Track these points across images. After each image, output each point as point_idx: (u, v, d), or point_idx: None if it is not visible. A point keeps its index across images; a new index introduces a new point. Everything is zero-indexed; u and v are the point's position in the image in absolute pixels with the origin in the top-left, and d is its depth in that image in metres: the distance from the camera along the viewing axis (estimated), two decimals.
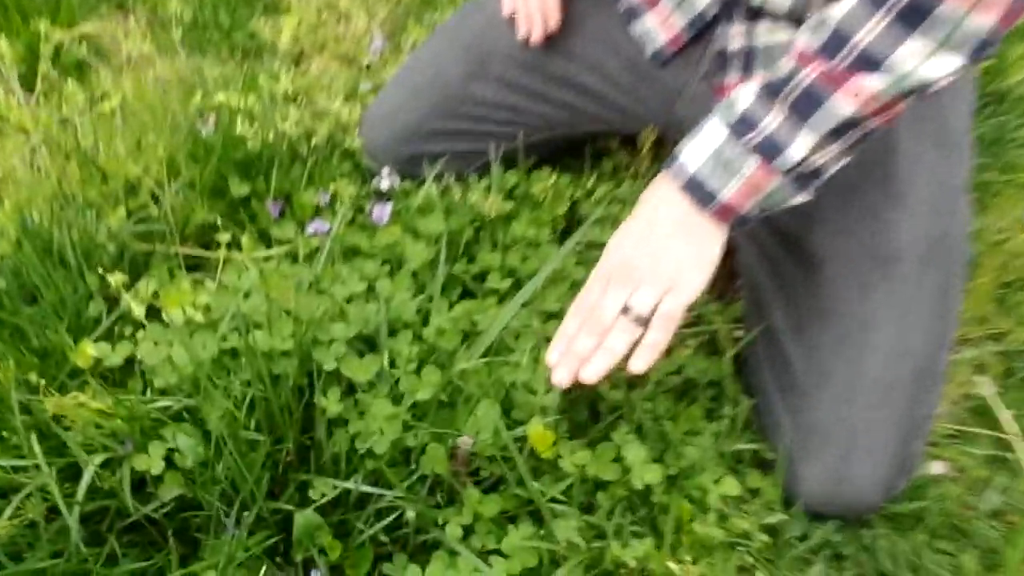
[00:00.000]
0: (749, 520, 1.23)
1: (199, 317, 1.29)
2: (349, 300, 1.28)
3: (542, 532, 1.13)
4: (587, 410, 1.26)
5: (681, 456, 1.25)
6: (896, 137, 1.16)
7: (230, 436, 1.11)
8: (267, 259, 1.42)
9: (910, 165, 1.17)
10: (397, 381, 1.18)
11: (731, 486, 1.24)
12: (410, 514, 1.07)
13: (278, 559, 1.11)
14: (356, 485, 1.08)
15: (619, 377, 1.27)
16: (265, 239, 1.48)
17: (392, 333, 1.26)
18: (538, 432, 1.13)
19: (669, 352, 1.31)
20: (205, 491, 1.09)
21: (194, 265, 1.46)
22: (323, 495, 1.11)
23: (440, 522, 1.10)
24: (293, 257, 1.42)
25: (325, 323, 1.22)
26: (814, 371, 1.21)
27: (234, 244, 1.42)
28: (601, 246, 1.43)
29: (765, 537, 1.15)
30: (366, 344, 1.26)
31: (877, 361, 1.15)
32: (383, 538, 1.10)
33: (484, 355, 1.21)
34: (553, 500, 1.14)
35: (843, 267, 1.17)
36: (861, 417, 1.14)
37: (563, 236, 1.39)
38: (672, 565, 1.12)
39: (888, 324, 1.15)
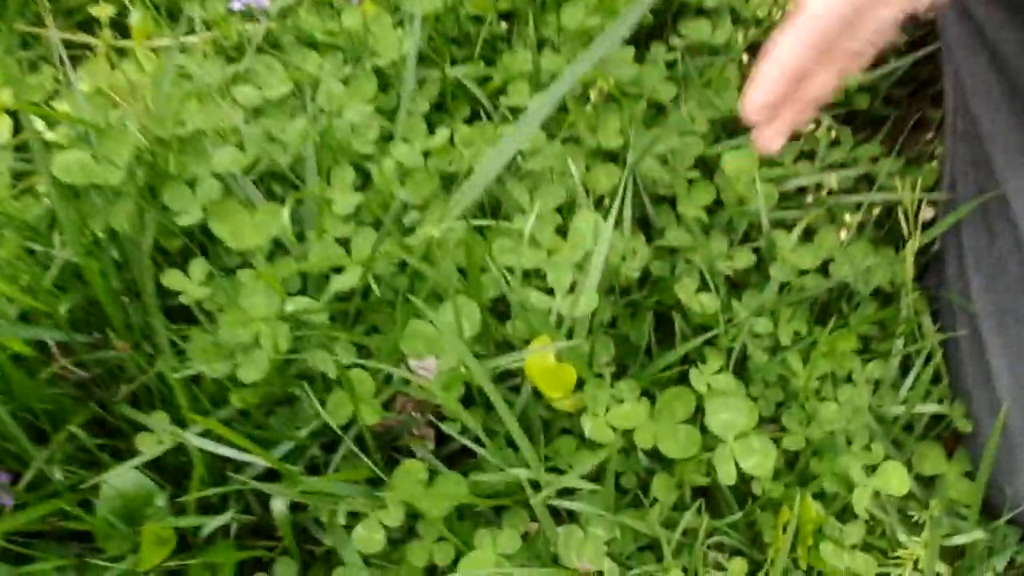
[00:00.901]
0: (921, 539, 0.69)
1: (49, 135, 0.80)
2: (259, 111, 0.76)
3: (534, 529, 0.62)
4: (650, 324, 0.72)
5: (811, 418, 0.70)
6: None
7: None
8: (182, 49, 0.90)
9: None
10: (306, 252, 0.67)
11: (895, 478, 0.70)
12: (278, 504, 0.57)
13: (81, 549, 0.63)
14: (199, 440, 0.59)
15: (715, 267, 0.72)
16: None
17: (328, 167, 0.73)
18: (543, 364, 0.60)
19: (809, 234, 0.75)
20: None
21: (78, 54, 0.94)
22: (160, 443, 0.62)
23: (342, 516, 0.59)
24: (218, 47, 0.89)
25: (198, 144, 0.70)
26: None
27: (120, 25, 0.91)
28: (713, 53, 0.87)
29: (944, 568, 0.61)
30: (284, 185, 0.75)
31: None
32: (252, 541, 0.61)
33: (471, 214, 0.68)
34: (567, 491, 0.63)
35: None
36: None
37: (650, 37, 0.81)
38: None
39: None
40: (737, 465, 0.64)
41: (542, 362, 0.60)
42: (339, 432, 0.60)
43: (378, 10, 0.87)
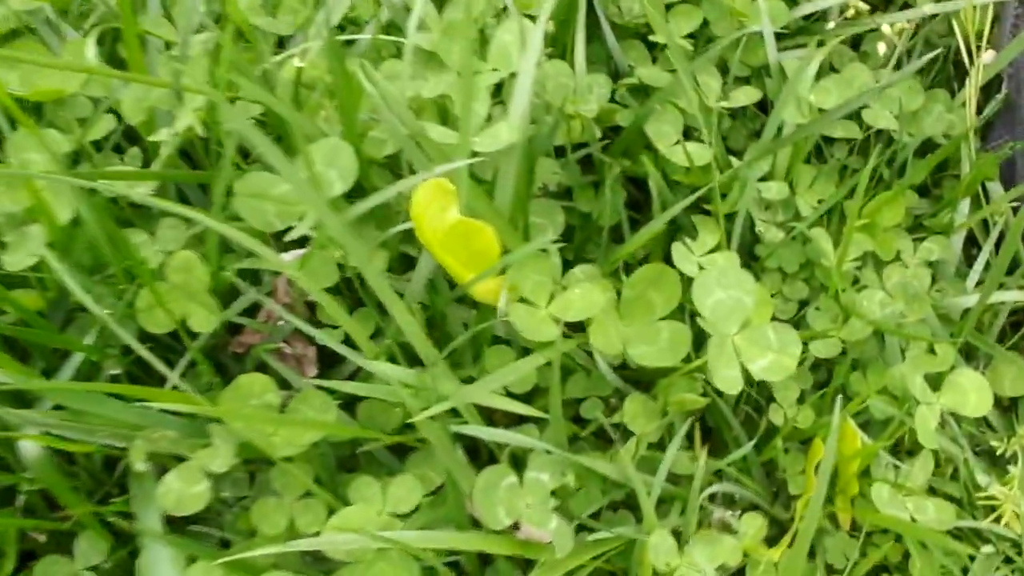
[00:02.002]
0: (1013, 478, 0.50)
1: None
2: None
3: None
4: (616, 195, 0.51)
5: (849, 314, 0.50)
6: None
7: None
8: None
9: None
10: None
11: (974, 392, 0.49)
12: (27, 448, 0.37)
13: None
14: None
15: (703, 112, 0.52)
16: None
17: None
18: (445, 221, 0.40)
19: (830, 64, 0.55)
20: None
21: None
22: None
23: (139, 457, 0.39)
24: None
25: None
26: None
27: None
28: None
29: None
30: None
31: None
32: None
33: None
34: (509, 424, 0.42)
35: None
36: None
37: None
38: None
39: None
40: (744, 369, 0.43)
41: (440, 215, 0.40)
42: (128, 340, 0.40)
43: None
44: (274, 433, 0.40)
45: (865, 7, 0.57)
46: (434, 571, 0.41)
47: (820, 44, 0.57)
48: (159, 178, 0.45)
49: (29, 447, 0.37)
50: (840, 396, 0.49)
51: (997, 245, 0.58)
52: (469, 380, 0.45)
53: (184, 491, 0.39)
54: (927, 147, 0.58)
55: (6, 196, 0.42)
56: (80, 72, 0.47)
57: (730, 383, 0.42)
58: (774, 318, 0.52)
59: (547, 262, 0.44)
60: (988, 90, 0.60)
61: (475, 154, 0.41)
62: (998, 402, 0.58)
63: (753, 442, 0.47)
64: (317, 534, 0.39)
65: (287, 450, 0.39)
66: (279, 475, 0.41)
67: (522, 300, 0.44)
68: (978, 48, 0.59)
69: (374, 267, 0.40)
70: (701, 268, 0.47)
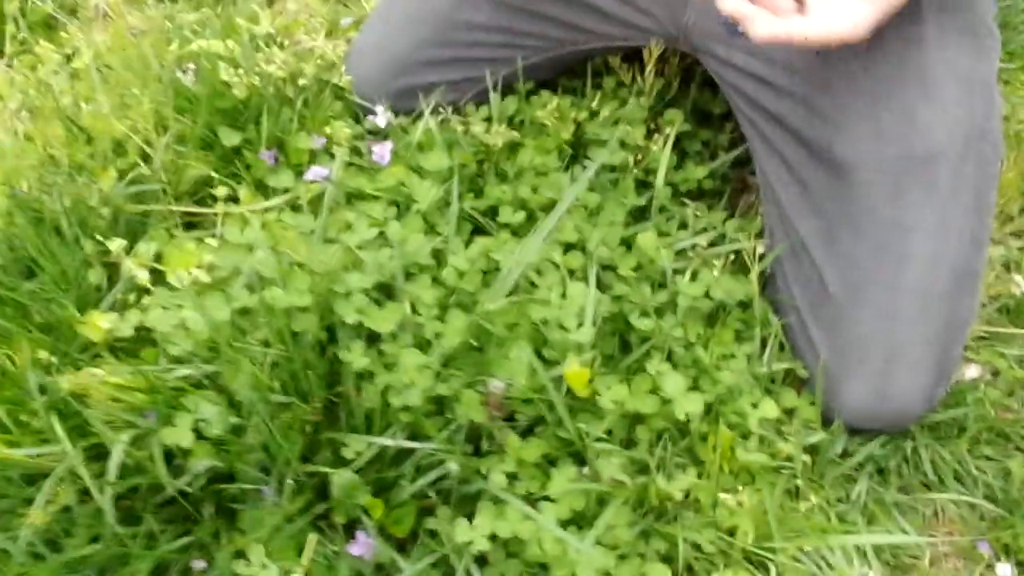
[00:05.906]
0: (791, 442, 1.21)
1: (205, 277, 1.24)
2: (360, 247, 1.23)
3: (586, 472, 1.10)
4: (616, 341, 1.22)
5: (716, 382, 1.22)
6: (923, 30, 1.10)
7: (258, 400, 1.07)
8: (267, 211, 1.36)
9: (939, 58, 1.12)
10: (421, 328, 1.14)
11: (769, 408, 1.20)
12: (452, 466, 1.04)
13: (321, 523, 1.08)
14: (394, 441, 1.05)
15: (646, 305, 1.23)
16: (262, 190, 1.41)
17: (409, 278, 1.21)
18: (575, 372, 1.10)
19: (695, 275, 1.28)
20: (238, 460, 1.05)
21: (191, 223, 1.40)
22: (358, 454, 1.08)
23: (483, 471, 1.07)
24: (294, 207, 1.36)
25: (340, 273, 1.17)
26: (849, 284, 1.17)
27: (231, 198, 1.36)
28: (613, 169, 1.39)
29: (807, 458, 1.14)
30: (382, 292, 1.22)
31: (916, 269, 1.11)
32: (427, 492, 1.07)
33: (509, 294, 1.17)
34: (595, 439, 1.12)
35: (875, 172, 1.13)
36: (902, 330, 1.11)
37: (570, 161, 1.34)
38: (722, 495, 1.10)
39: (924, 228, 1.11)
40: (684, 412, 1.14)
41: (573, 371, 1.09)
42: (466, 425, 1.07)
43: (405, 170, 1.36)
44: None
45: (703, 243, 1.31)
46: None
47: None
48: None
49: None
50: (718, 416, 1.21)
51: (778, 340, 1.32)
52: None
53: None
54: (741, 302, 1.32)
55: None
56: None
57: (680, 413, 1.14)
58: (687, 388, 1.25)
59: (602, 377, 1.14)
60: None
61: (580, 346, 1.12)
62: (786, 411, 1.31)
63: (685, 441, 1.19)
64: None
65: None
66: None
67: (599, 391, 1.14)
68: (754, 250, 1.33)
69: (548, 381, 1.09)
70: (658, 372, 1.18)
